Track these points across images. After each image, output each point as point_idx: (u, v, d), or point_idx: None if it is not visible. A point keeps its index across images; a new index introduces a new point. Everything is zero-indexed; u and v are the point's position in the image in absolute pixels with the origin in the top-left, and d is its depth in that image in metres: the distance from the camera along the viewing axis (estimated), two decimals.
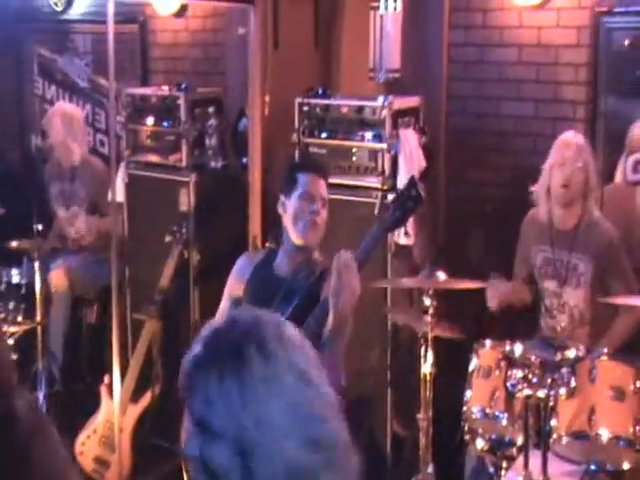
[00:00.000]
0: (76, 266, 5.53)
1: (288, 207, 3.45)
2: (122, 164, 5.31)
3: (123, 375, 4.47)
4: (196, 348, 1.53)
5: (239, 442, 1.45)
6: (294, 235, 3.44)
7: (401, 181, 4.46)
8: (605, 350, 3.49)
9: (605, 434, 3.28)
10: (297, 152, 4.71)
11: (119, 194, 5.16)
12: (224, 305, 3.64)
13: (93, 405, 4.79)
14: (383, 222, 3.35)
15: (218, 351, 1.50)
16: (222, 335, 1.53)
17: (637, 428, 3.29)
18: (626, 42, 4.45)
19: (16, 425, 1.96)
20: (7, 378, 2.01)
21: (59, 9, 6.74)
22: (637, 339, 3.98)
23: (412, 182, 3.42)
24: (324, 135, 4.68)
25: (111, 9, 4.26)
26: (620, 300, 3.95)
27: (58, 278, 5.42)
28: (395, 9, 5.05)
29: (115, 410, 4.43)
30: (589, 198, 4.12)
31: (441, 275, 3.85)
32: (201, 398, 1.48)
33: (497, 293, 4.10)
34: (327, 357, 3.19)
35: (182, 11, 6.00)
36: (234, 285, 3.61)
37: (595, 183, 4.14)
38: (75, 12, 6.67)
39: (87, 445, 4.72)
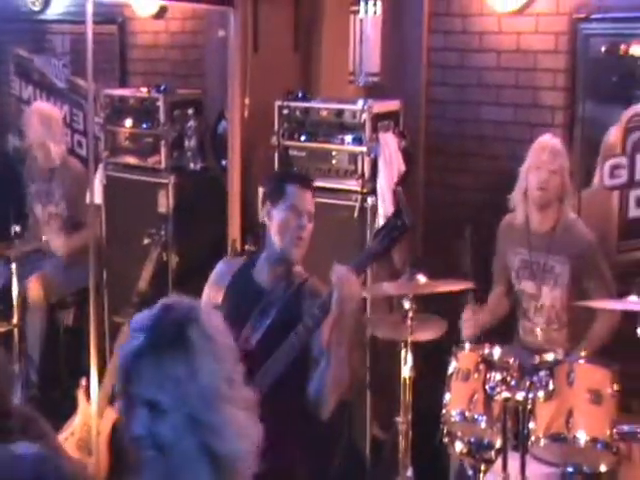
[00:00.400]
0: (52, 272, 5.46)
1: (274, 217, 3.39)
2: (100, 166, 5.30)
3: (101, 378, 4.45)
4: (137, 337, 1.63)
5: (187, 414, 1.59)
6: (279, 246, 3.39)
7: (380, 185, 4.48)
8: (583, 353, 3.51)
9: (582, 437, 3.30)
10: (277, 155, 4.72)
11: (97, 196, 5.14)
12: None
13: (70, 408, 4.76)
14: (369, 251, 3.32)
15: (162, 336, 1.62)
16: (162, 321, 1.65)
17: (614, 431, 3.32)
18: (603, 48, 4.48)
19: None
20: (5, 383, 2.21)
21: (37, 9, 6.70)
22: (615, 342, 4.01)
23: (399, 211, 3.38)
24: (304, 138, 4.69)
25: (90, 10, 4.25)
26: (596, 304, 3.98)
27: (34, 288, 5.36)
28: (375, 13, 5.07)
29: (92, 413, 4.41)
30: (565, 201, 4.16)
31: (421, 278, 3.86)
32: (149, 381, 1.60)
33: (473, 324, 4.13)
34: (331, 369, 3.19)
35: (161, 13, 5.98)
36: (212, 292, 3.54)
37: (570, 186, 4.17)
38: (53, 12, 6.63)
39: (65, 448, 4.69)
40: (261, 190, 4.68)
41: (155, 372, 1.59)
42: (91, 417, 4.45)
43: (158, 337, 1.62)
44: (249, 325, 3.31)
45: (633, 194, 4.45)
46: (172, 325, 1.63)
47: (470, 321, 4.16)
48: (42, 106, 5.97)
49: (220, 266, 3.60)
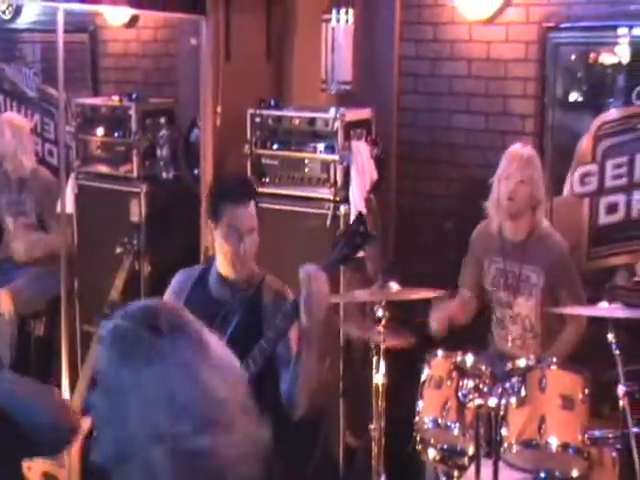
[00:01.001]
0: (23, 283, 5.40)
1: (216, 237, 3.39)
2: (72, 175, 5.28)
3: (72, 387, 4.43)
4: (102, 355, 1.61)
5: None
6: (221, 265, 3.40)
7: (353, 192, 4.49)
8: (555, 359, 3.53)
9: (554, 442, 3.32)
10: (249, 163, 4.72)
11: (69, 205, 5.13)
12: None
13: None
14: (330, 258, 3.32)
15: (125, 345, 1.59)
16: (123, 332, 1.61)
17: (586, 436, 3.35)
18: (572, 57, 4.53)
19: None
20: None
21: (7, 17, 6.66)
22: (586, 348, 4.04)
23: (360, 219, 3.39)
24: (276, 146, 4.69)
25: (61, 19, 4.24)
26: (568, 310, 4.00)
27: (4, 301, 5.31)
28: (347, 22, 5.08)
29: None
30: (538, 210, 4.16)
31: (394, 286, 3.87)
32: (117, 386, 1.57)
33: (441, 315, 4.13)
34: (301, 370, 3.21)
35: (133, 21, 5.96)
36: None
37: (543, 195, 4.19)
38: (23, 21, 6.60)
39: (35, 460, 4.65)
40: None
41: (121, 383, 1.57)
42: None
43: (124, 348, 1.60)
44: None
45: (603, 201, 4.48)
46: (132, 332, 1.61)
47: (439, 313, 4.14)
48: (13, 117, 5.94)
49: (179, 277, 3.57)
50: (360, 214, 3.55)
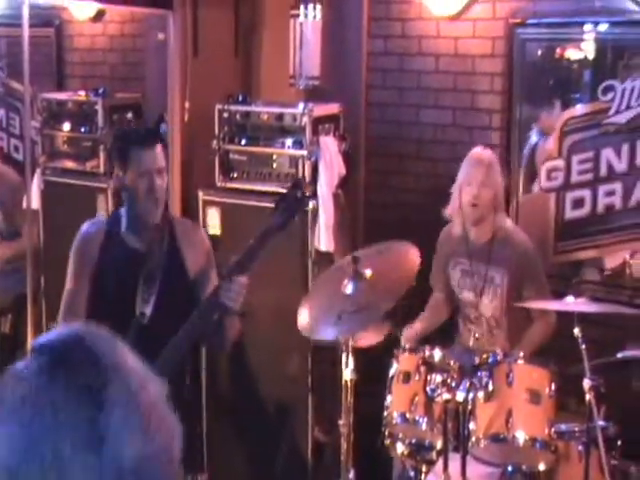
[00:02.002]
0: None
1: (126, 183, 3.37)
2: (37, 170, 5.23)
3: None
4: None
5: None
6: (137, 212, 3.38)
7: (321, 188, 4.49)
8: (521, 354, 3.56)
9: (522, 436, 3.35)
10: (217, 159, 4.70)
11: (34, 201, 5.08)
12: (74, 287, 3.47)
13: None
14: (270, 225, 3.32)
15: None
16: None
17: (552, 430, 3.38)
18: (539, 52, 4.56)
19: None
20: None
21: None
22: (553, 342, 4.06)
23: (297, 183, 3.44)
24: (244, 142, 4.67)
25: (26, 13, 4.20)
26: (534, 304, 4.02)
27: None
28: (315, 17, 5.08)
29: None
30: (499, 212, 4.18)
31: (367, 272, 3.82)
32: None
33: (412, 334, 4.17)
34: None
35: (99, 15, 5.92)
36: (82, 261, 3.46)
37: (503, 197, 4.20)
38: None
39: None
40: (201, 194, 4.71)
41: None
42: None
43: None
44: (139, 298, 3.32)
45: (569, 196, 4.51)
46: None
47: (411, 333, 4.18)
48: None
49: (86, 233, 3.51)
50: (298, 179, 3.57)
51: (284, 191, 3.48)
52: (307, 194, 3.36)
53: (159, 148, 3.39)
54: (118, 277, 3.39)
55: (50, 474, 1.20)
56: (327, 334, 3.69)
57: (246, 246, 3.31)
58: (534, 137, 4.63)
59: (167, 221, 3.45)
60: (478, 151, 4.22)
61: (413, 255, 3.61)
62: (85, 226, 3.55)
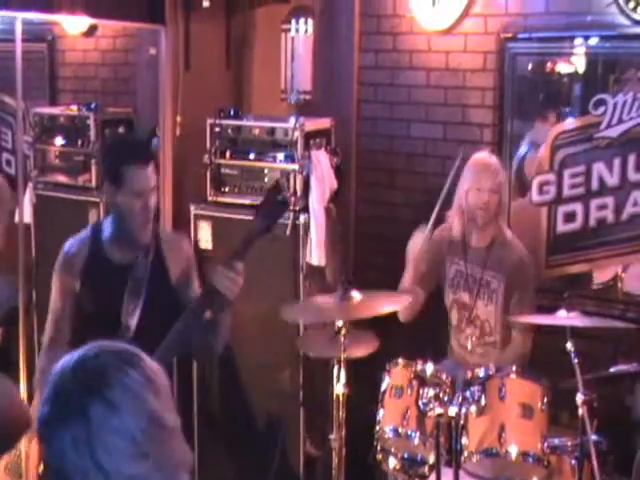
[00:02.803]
0: None
1: (119, 201, 3.36)
2: (30, 185, 5.22)
3: (30, 399, 4.37)
4: (44, 405, 1.56)
5: None
6: (128, 230, 3.38)
7: (312, 202, 4.49)
8: (514, 368, 3.55)
9: (514, 451, 3.34)
10: (209, 173, 4.70)
11: (26, 215, 5.08)
12: (59, 305, 3.49)
13: None
14: (253, 230, 3.32)
15: (64, 411, 1.54)
16: (66, 392, 1.56)
17: (545, 444, 3.37)
18: (529, 66, 4.57)
19: None
20: None
21: None
22: (545, 356, 4.06)
23: (277, 187, 3.43)
24: (236, 156, 4.68)
25: (19, 28, 4.21)
26: (528, 319, 4.02)
27: None
28: (306, 32, 5.09)
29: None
30: (501, 217, 4.22)
31: (355, 295, 3.85)
32: (55, 448, 1.54)
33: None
34: None
35: (91, 30, 5.93)
36: (67, 279, 3.48)
37: (505, 203, 4.24)
38: None
39: None
40: (193, 208, 4.71)
41: (58, 443, 1.54)
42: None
43: (59, 411, 1.55)
44: (124, 311, 3.31)
45: (561, 210, 4.52)
46: (74, 400, 1.55)
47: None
48: None
49: (68, 250, 3.52)
50: (276, 182, 3.58)
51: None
52: (286, 197, 3.36)
53: (152, 166, 3.39)
54: (103, 292, 3.39)
55: None
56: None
57: (230, 253, 3.33)
58: (524, 148, 4.64)
59: (154, 235, 3.45)
60: (484, 156, 4.24)
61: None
62: (68, 244, 3.54)
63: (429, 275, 4.31)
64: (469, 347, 4.20)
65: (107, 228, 3.46)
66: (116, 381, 1.55)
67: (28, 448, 4.34)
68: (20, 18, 4.40)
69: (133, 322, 3.32)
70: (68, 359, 1.60)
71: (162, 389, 1.60)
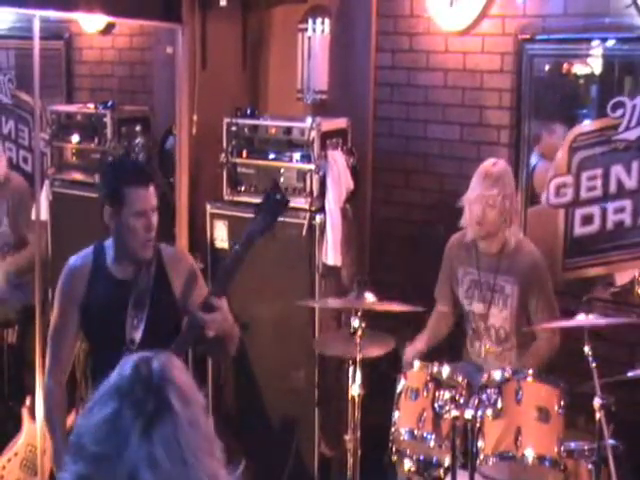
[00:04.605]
0: None
1: (121, 222, 3.36)
2: (46, 182, 5.24)
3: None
4: (113, 408, 1.48)
5: None
6: (130, 249, 3.39)
7: (329, 202, 4.49)
8: (530, 371, 3.54)
9: (530, 455, 3.33)
10: (225, 172, 4.71)
11: (43, 212, 5.09)
12: (62, 320, 3.47)
13: (14, 427, 4.69)
14: (252, 229, 3.33)
15: (142, 406, 1.48)
16: (140, 388, 1.50)
17: (561, 448, 3.36)
18: (546, 67, 4.56)
19: None
20: None
21: None
22: (563, 359, 4.05)
23: (275, 186, 3.45)
24: (252, 155, 4.68)
25: (37, 26, 4.21)
26: (547, 326, 3.99)
27: None
28: (323, 32, 5.09)
29: (37, 432, 4.35)
30: (511, 225, 4.11)
31: (369, 296, 3.86)
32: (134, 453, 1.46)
33: (414, 353, 4.15)
34: None
35: (109, 29, 5.94)
36: (71, 293, 3.47)
37: (517, 209, 4.18)
38: None
39: (8, 468, 4.61)
40: (209, 207, 4.72)
41: (135, 445, 1.46)
42: (35, 437, 4.38)
43: (137, 408, 1.48)
44: (129, 325, 3.33)
45: (579, 212, 4.50)
46: (151, 395, 1.50)
47: (412, 351, 4.18)
48: None
49: (72, 266, 3.53)
50: (274, 181, 3.58)
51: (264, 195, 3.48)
52: (286, 197, 3.36)
53: (152, 187, 3.39)
54: (106, 308, 3.40)
55: None
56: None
57: (231, 253, 3.34)
58: (533, 159, 4.63)
59: (155, 250, 3.45)
60: (488, 166, 4.13)
61: None
62: (72, 260, 3.55)
63: (450, 289, 4.31)
64: (487, 355, 4.17)
65: (109, 251, 3.46)
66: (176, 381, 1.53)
67: (43, 445, 4.37)
68: (38, 16, 4.40)
69: (137, 336, 3.33)
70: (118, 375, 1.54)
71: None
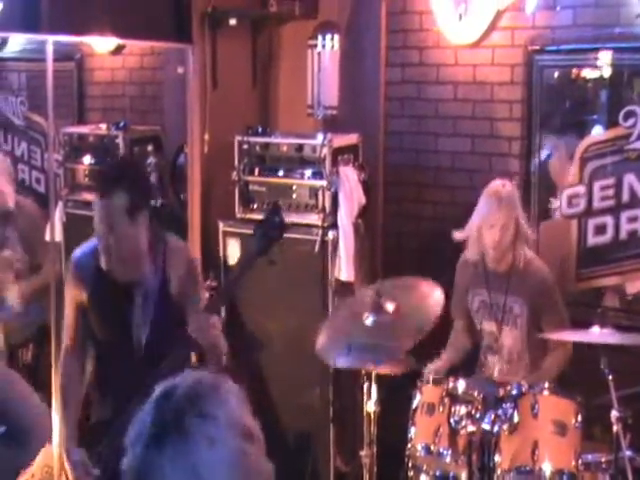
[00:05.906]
0: (10, 314, 5.36)
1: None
2: (59, 203, 5.25)
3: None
4: (142, 427, 1.52)
5: None
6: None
7: (341, 218, 4.49)
8: (547, 385, 3.52)
9: (548, 469, 3.32)
10: (237, 190, 4.72)
11: (57, 233, 5.10)
12: (71, 314, 3.57)
13: None
14: (249, 252, 3.34)
15: (164, 428, 1.51)
16: (164, 410, 1.54)
17: (579, 462, 3.34)
18: (558, 79, 4.55)
19: None
20: None
21: None
22: (578, 372, 4.03)
23: (275, 209, 3.44)
24: (264, 173, 4.69)
25: (50, 50, 4.22)
26: (559, 336, 3.98)
27: None
28: (332, 47, 5.10)
29: (54, 453, 4.34)
30: (520, 244, 4.11)
31: (389, 306, 3.82)
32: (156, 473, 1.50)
33: (439, 370, 4.11)
34: None
35: (119, 49, 5.95)
36: (74, 291, 3.55)
37: (525, 230, 4.13)
38: (10, 50, 6.59)
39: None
40: (221, 225, 4.73)
41: (159, 465, 1.50)
42: (52, 458, 4.38)
43: (159, 428, 1.52)
44: (135, 324, 3.36)
45: (591, 222, 4.49)
46: (173, 415, 1.54)
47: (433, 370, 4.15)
48: None
49: (78, 258, 3.58)
50: (275, 204, 3.59)
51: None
52: (284, 220, 3.36)
53: (117, 198, 3.36)
54: (105, 305, 3.42)
55: None
56: (339, 362, 3.75)
57: (229, 275, 3.35)
58: (545, 152, 4.61)
59: (162, 250, 3.47)
60: (497, 188, 4.10)
61: (437, 297, 3.61)
62: (77, 256, 3.60)
63: (465, 305, 4.30)
64: (499, 372, 4.13)
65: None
66: (211, 396, 1.58)
67: (60, 466, 4.36)
68: (51, 41, 4.42)
69: (144, 336, 3.35)
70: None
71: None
